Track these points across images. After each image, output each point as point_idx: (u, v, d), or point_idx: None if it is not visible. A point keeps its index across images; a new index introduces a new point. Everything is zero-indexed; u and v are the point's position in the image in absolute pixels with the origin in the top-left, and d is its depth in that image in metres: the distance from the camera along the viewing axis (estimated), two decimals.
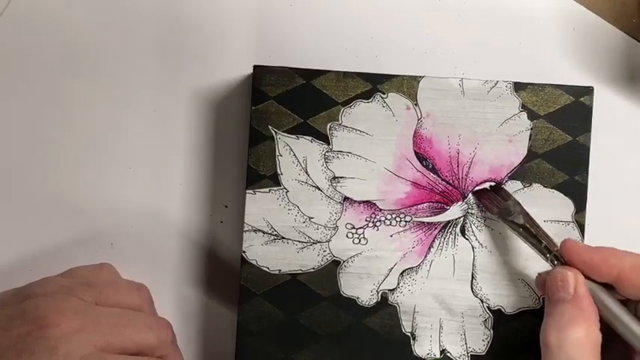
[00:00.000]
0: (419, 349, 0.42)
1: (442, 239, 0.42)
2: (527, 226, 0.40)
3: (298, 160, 0.42)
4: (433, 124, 0.42)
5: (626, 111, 0.46)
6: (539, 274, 0.40)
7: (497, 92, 0.42)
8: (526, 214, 0.40)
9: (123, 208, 0.45)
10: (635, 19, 0.46)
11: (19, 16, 0.46)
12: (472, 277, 0.42)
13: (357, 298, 0.42)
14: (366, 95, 0.42)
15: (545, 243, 0.39)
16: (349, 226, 0.42)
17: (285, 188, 0.42)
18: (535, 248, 0.40)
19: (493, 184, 0.42)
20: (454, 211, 0.42)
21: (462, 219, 0.42)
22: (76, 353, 0.35)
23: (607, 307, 0.37)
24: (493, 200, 0.41)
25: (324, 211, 0.42)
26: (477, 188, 0.42)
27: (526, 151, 0.42)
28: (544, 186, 0.42)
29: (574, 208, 0.42)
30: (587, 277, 0.37)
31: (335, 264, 0.42)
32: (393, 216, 0.42)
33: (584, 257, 0.37)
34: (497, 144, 0.42)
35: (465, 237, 0.42)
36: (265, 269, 0.42)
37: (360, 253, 0.42)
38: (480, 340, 0.42)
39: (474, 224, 0.42)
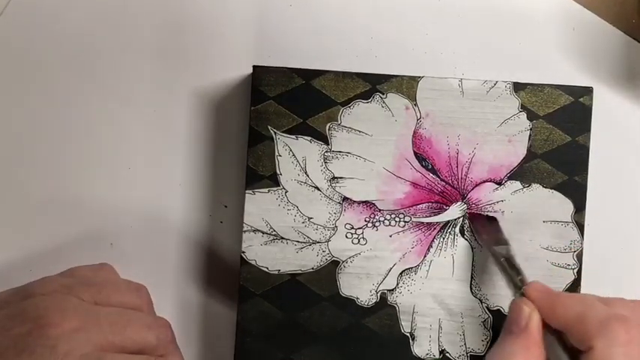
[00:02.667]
0: (418, 349, 0.42)
1: (441, 239, 0.42)
2: (507, 261, 0.40)
3: (297, 161, 0.42)
4: (432, 124, 0.42)
5: (625, 111, 0.46)
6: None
7: (497, 92, 0.42)
8: (510, 250, 0.40)
9: (123, 208, 0.45)
10: (635, 19, 0.46)
11: (19, 16, 0.46)
12: (471, 278, 0.42)
13: (357, 298, 0.42)
14: (366, 95, 0.42)
15: (518, 279, 0.39)
16: (348, 227, 0.42)
17: (284, 188, 0.42)
18: (509, 282, 0.39)
19: (491, 215, 0.42)
20: (453, 212, 0.42)
21: (461, 219, 0.42)
22: (76, 352, 0.35)
23: (553, 351, 0.36)
24: (485, 227, 0.41)
25: (323, 211, 0.42)
26: (474, 211, 0.42)
27: (525, 152, 0.42)
28: (543, 186, 0.42)
29: (573, 209, 0.42)
30: (546, 321, 0.37)
31: (334, 264, 0.42)
32: (392, 216, 0.42)
33: (541, 300, 0.37)
34: (497, 144, 0.42)
35: (464, 237, 0.42)
36: (265, 269, 0.42)
37: (360, 254, 0.42)
38: (479, 340, 0.42)
39: None
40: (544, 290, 0.38)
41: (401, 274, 0.42)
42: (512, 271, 0.39)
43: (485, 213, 0.42)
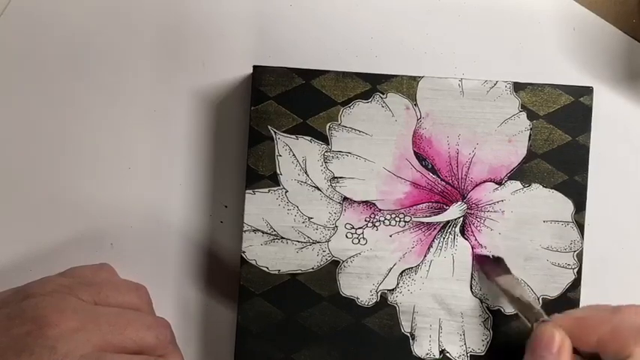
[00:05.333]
0: (418, 349, 0.42)
1: (441, 239, 0.42)
2: (520, 298, 0.39)
3: (298, 160, 0.42)
4: (432, 124, 0.42)
5: (626, 111, 0.46)
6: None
7: (497, 92, 0.42)
8: (522, 288, 0.40)
9: (123, 208, 0.45)
10: (635, 19, 0.46)
11: (19, 16, 0.46)
12: (471, 277, 0.42)
13: (357, 298, 0.42)
14: (366, 95, 0.42)
15: (535, 312, 0.39)
16: (348, 226, 0.42)
17: (284, 188, 0.42)
18: (523, 315, 0.39)
19: (494, 255, 0.42)
20: (453, 211, 0.42)
21: (461, 219, 0.42)
22: (76, 352, 0.35)
23: None
24: (495, 269, 0.41)
25: (323, 211, 0.42)
26: (478, 253, 0.42)
27: (525, 151, 0.42)
28: (543, 186, 0.42)
29: (574, 208, 0.42)
30: (576, 345, 0.37)
31: (334, 264, 0.42)
32: (393, 216, 0.42)
33: (569, 326, 0.37)
34: (497, 144, 0.42)
35: (464, 237, 0.42)
36: (265, 269, 0.42)
37: (360, 253, 0.42)
38: (479, 340, 0.42)
39: (473, 224, 0.42)
40: (567, 316, 0.38)
41: (401, 273, 0.42)
42: (526, 305, 0.39)
43: (490, 254, 0.42)
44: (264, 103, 0.42)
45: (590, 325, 0.36)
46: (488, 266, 0.42)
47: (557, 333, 0.36)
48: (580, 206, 0.42)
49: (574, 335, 0.36)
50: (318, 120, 0.42)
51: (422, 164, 0.42)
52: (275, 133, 0.42)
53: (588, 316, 0.37)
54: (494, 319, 0.42)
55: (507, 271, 0.42)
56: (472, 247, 0.42)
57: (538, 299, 0.42)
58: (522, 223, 0.42)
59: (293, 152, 0.42)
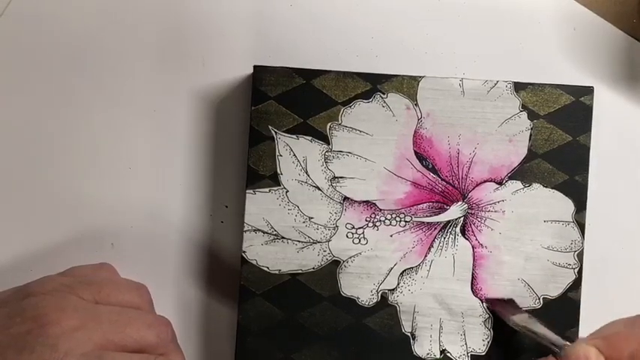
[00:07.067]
0: (419, 349, 0.42)
1: (442, 239, 0.42)
2: (540, 331, 0.39)
3: (298, 160, 0.42)
4: (433, 124, 0.42)
5: (626, 111, 0.46)
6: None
7: (497, 92, 0.42)
8: (537, 322, 0.40)
9: (123, 208, 0.45)
10: (635, 19, 0.46)
11: (19, 16, 0.46)
12: (472, 277, 0.42)
13: (357, 298, 0.42)
14: (366, 95, 0.42)
15: (557, 340, 0.38)
16: (349, 226, 0.42)
17: (285, 188, 0.42)
18: (548, 346, 0.38)
19: (505, 298, 0.42)
20: (454, 211, 0.42)
21: (461, 219, 0.42)
22: (76, 351, 0.35)
23: None
24: (508, 309, 0.41)
25: (323, 211, 0.42)
26: (489, 297, 0.42)
27: (526, 151, 0.42)
28: (544, 186, 0.42)
29: (574, 208, 0.42)
30: None
31: (335, 264, 0.42)
32: (393, 216, 0.42)
33: (600, 346, 0.36)
34: (498, 144, 0.42)
35: (465, 237, 0.42)
36: (265, 269, 0.42)
37: (360, 253, 0.42)
38: (480, 340, 0.42)
39: (473, 224, 0.42)
40: (592, 338, 0.37)
41: (402, 273, 0.42)
42: (548, 337, 0.38)
43: (502, 297, 0.42)
44: (265, 103, 0.42)
45: (618, 344, 0.36)
46: (501, 306, 0.42)
47: (593, 350, 0.36)
48: (580, 206, 0.42)
49: (607, 352, 0.36)
50: (319, 120, 0.42)
51: (422, 164, 0.42)
52: (276, 133, 0.42)
53: (613, 335, 0.37)
54: (495, 319, 0.42)
55: (519, 309, 0.42)
56: (473, 247, 0.42)
57: (539, 299, 0.42)
58: (523, 223, 0.42)
59: (293, 152, 0.42)
